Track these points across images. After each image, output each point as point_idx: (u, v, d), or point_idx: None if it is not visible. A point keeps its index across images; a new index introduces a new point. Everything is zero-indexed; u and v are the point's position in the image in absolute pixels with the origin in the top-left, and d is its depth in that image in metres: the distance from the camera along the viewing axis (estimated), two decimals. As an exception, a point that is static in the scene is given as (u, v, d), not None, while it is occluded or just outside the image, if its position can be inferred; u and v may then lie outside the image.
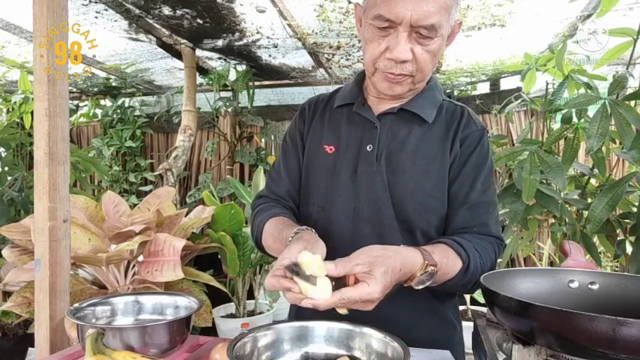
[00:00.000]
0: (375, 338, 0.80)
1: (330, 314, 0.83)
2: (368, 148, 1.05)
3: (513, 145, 3.14)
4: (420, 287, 0.85)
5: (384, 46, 0.95)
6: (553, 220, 2.07)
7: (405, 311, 1.02)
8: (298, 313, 1.10)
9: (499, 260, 2.07)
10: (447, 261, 0.90)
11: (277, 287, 0.78)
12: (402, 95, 1.05)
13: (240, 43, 3.47)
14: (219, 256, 2.82)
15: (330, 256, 0.86)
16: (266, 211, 1.11)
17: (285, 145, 1.21)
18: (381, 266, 0.77)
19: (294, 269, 0.77)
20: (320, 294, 0.76)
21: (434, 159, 1.03)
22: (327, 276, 0.78)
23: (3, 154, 3.07)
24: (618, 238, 1.91)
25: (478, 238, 0.99)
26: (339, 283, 0.78)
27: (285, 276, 0.80)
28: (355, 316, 0.82)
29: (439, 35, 0.94)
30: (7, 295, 2.30)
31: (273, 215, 1.08)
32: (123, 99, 4.64)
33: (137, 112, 4.66)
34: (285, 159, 1.19)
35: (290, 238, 0.92)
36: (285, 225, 1.00)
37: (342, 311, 0.80)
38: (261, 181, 3.41)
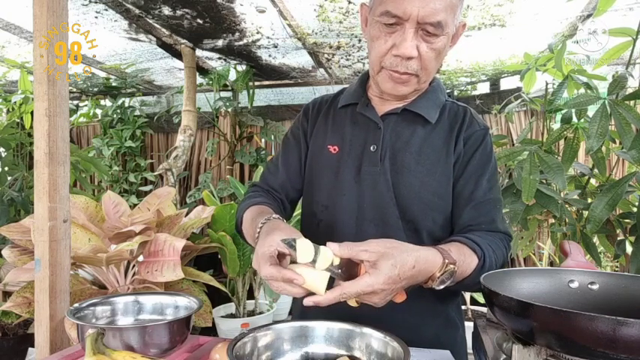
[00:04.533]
0: (375, 338, 0.80)
1: (333, 314, 0.83)
2: (372, 148, 1.05)
3: (513, 145, 3.14)
4: (442, 287, 0.85)
5: (390, 43, 0.95)
6: (553, 220, 2.07)
7: (408, 312, 1.02)
8: (302, 312, 1.10)
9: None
10: (464, 258, 0.90)
11: (277, 277, 0.77)
12: (406, 96, 1.05)
13: (240, 43, 3.47)
14: (219, 256, 2.82)
15: None
16: (252, 198, 1.12)
17: (286, 140, 1.22)
18: (390, 259, 0.76)
19: (292, 244, 0.76)
20: (315, 284, 0.75)
21: (438, 159, 1.04)
22: (331, 270, 0.77)
23: (3, 154, 3.07)
24: (618, 238, 1.91)
25: (489, 235, 0.99)
26: (348, 272, 0.78)
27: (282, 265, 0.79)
28: (359, 316, 0.82)
29: (445, 33, 0.94)
30: (7, 295, 2.30)
31: (255, 204, 1.08)
32: (123, 99, 4.64)
33: (137, 112, 4.66)
34: (285, 154, 1.20)
35: (260, 225, 0.91)
36: (262, 212, 1.00)
37: (353, 303, 0.80)
38: (261, 181, 3.40)
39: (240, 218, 1.11)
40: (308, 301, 0.75)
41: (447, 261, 0.83)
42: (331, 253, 0.76)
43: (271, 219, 0.93)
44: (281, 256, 0.81)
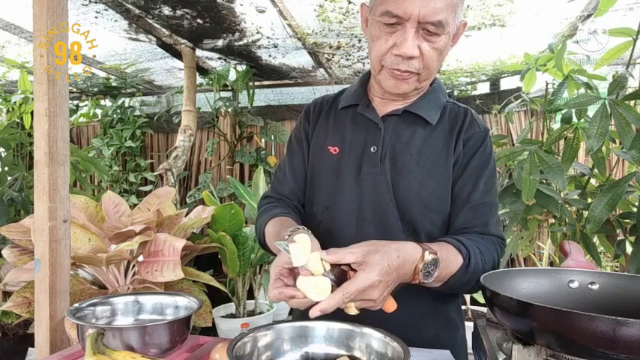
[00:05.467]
0: (375, 338, 0.80)
1: (334, 313, 0.83)
2: (372, 149, 1.06)
3: (513, 145, 3.14)
4: (429, 280, 0.86)
5: (391, 43, 0.95)
6: (553, 220, 2.07)
7: (409, 312, 1.02)
8: (302, 312, 1.10)
9: (499, 260, 2.07)
10: (447, 255, 0.90)
11: (282, 298, 0.80)
12: (407, 94, 1.05)
13: (240, 43, 3.47)
14: (219, 256, 2.82)
15: None
16: (268, 211, 1.12)
17: (290, 145, 1.22)
18: (375, 252, 0.79)
19: (286, 248, 0.79)
20: (320, 295, 0.76)
21: (438, 160, 1.04)
22: (326, 275, 0.78)
23: (3, 154, 3.07)
24: (618, 238, 1.91)
25: (479, 237, 0.99)
26: (340, 281, 0.78)
27: (286, 285, 0.81)
28: (359, 316, 0.82)
29: (446, 32, 0.94)
30: (7, 295, 2.30)
31: (274, 216, 1.08)
32: (123, 99, 4.64)
33: (137, 112, 4.66)
34: (291, 159, 1.20)
35: (287, 237, 0.93)
36: (283, 226, 1.01)
37: (352, 312, 0.80)
38: (261, 181, 3.41)
39: (262, 233, 1.11)
40: (314, 312, 0.75)
41: (426, 251, 0.85)
42: (319, 254, 0.79)
43: (298, 230, 0.94)
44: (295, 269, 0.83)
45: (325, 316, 0.84)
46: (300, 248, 0.78)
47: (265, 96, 4.82)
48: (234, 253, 2.65)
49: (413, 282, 0.86)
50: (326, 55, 3.69)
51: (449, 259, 0.91)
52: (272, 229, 1.06)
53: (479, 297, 3.17)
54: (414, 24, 0.92)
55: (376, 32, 0.97)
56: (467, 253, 0.93)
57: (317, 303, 0.77)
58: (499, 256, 1.02)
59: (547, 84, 2.07)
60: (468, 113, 1.09)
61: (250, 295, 3.29)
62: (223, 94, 4.36)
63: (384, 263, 0.78)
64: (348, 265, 0.80)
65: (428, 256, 0.84)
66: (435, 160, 1.04)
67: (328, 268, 0.78)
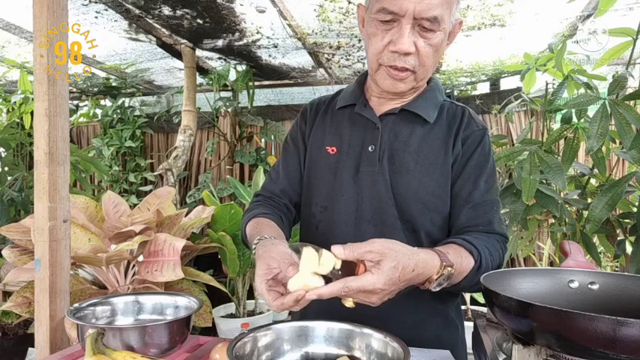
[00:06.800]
0: (375, 338, 0.80)
1: (334, 313, 0.83)
2: (370, 148, 1.05)
3: (513, 145, 3.14)
4: (438, 289, 0.85)
5: (387, 40, 0.96)
6: (553, 220, 2.07)
7: (408, 311, 1.02)
8: (302, 312, 1.10)
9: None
10: (461, 260, 0.90)
11: (285, 308, 0.78)
12: (404, 93, 1.05)
13: (240, 43, 3.47)
14: (219, 256, 2.82)
15: None
16: (251, 210, 1.13)
17: (286, 145, 1.22)
18: (392, 260, 0.76)
19: (299, 250, 0.77)
20: (320, 281, 0.75)
21: (436, 159, 1.04)
22: (332, 272, 0.77)
23: (3, 154, 3.07)
24: (618, 238, 1.91)
25: (485, 236, 0.99)
26: (347, 273, 0.78)
27: (281, 293, 0.80)
28: (359, 316, 0.82)
29: (441, 29, 0.95)
30: (7, 295, 2.30)
31: (255, 216, 1.09)
32: (123, 99, 4.64)
33: (137, 112, 4.66)
34: (285, 158, 1.20)
35: (253, 248, 0.93)
36: (257, 231, 1.00)
37: (349, 304, 0.80)
38: (261, 181, 3.41)
39: (243, 231, 1.13)
40: (311, 295, 0.75)
41: (444, 264, 0.84)
42: (333, 258, 0.76)
43: (259, 242, 0.92)
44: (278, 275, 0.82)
45: (325, 314, 0.84)
46: (312, 255, 0.76)
47: (265, 96, 4.82)
48: (234, 253, 2.65)
49: (421, 287, 0.86)
50: (326, 55, 3.69)
51: (462, 264, 0.91)
52: (249, 231, 1.06)
53: (479, 297, 3.17)
54: (409, 20, 0.92)
55: (372, 30, 0.97)
56: (478, 257, 0.93)
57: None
58: (503, 254, 1.02)
59: (547, 84, 2.07)
60: (466, 112, 1.09)
61: (250, 295, 3.29)
62: (223, 94, 4.36)
63: (394, 274, 0.76)
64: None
65: (444, 270, 0.84)
66: (433, 158, 1.04)
67: (339, 265, 0.76)
